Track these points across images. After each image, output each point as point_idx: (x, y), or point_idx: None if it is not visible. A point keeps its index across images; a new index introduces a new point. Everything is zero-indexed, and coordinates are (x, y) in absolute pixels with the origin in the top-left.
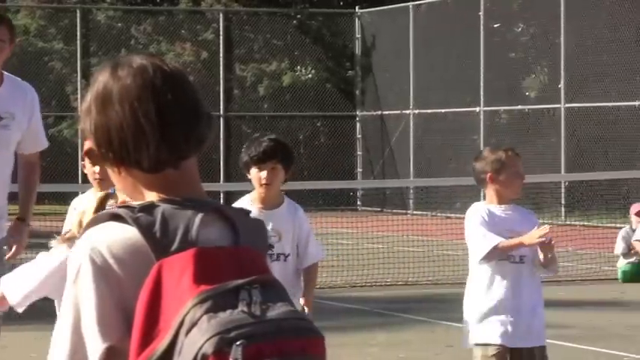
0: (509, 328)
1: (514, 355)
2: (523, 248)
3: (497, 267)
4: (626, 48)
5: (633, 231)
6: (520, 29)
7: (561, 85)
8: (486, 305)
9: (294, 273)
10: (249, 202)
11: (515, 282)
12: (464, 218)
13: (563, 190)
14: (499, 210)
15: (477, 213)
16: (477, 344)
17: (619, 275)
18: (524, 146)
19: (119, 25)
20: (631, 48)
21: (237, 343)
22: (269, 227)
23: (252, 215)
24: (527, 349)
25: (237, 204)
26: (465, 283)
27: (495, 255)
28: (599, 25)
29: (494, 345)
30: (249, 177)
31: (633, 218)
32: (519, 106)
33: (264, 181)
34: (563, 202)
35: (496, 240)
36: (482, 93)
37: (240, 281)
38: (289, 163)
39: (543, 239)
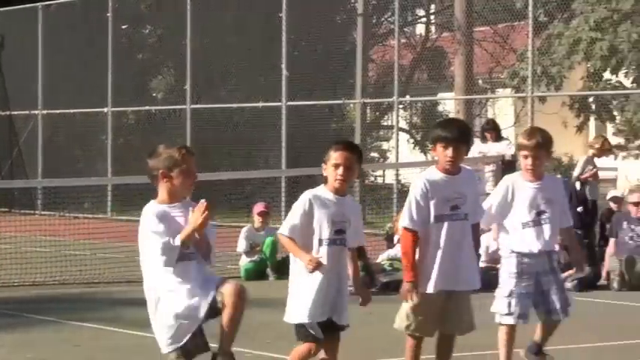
0: None
1: None
2: None
3: None
4: (250, 50)
5: (256, 230)
6: (148, 31)
7: (187, 87)
8: None
9: None
10: None
11: None
12: (93, 218)
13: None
14: None
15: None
16: None
17: (241, 273)
18: (152, 147)
19: None
20: (255, 50)
21: None
22: None
23: None
24: None
25: None
26: (91, 283)
27: None
28: (225, 27)
29: None
30: None
31: (256, 218)
32: (147, 107)
33: None
34: None
35: None
36: (110, 94)
37: None
38: None
39: None
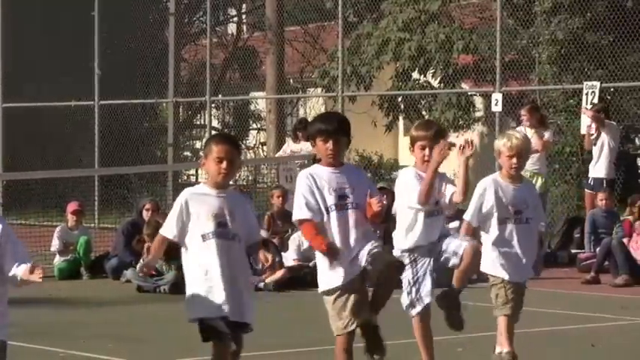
0: None
1: None
2: None
3: None
4: (60, 49)
5: (70, 229)
6: None
7: None
8: None
9: None
10: None
11: None
12: None
13: (0, 190)
14: None
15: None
16: None
17: (55, 273)
18: None
19: None
20: (67, 48)
21: None
22: None
23: None
24: None
25: None
26: None
27: None
28: (36, 25)
29: None
30: None
31: (70, 216)
32: None
33: None
34: (0, 201)
35: None
36: None
37: None
38: None
39: None
